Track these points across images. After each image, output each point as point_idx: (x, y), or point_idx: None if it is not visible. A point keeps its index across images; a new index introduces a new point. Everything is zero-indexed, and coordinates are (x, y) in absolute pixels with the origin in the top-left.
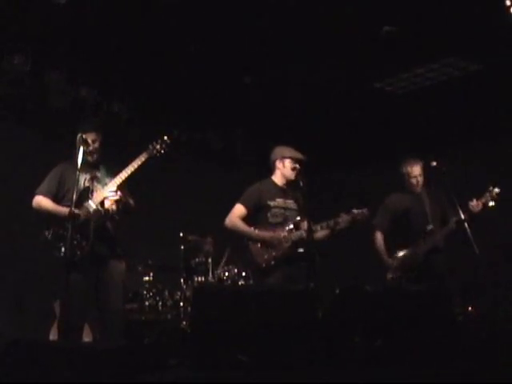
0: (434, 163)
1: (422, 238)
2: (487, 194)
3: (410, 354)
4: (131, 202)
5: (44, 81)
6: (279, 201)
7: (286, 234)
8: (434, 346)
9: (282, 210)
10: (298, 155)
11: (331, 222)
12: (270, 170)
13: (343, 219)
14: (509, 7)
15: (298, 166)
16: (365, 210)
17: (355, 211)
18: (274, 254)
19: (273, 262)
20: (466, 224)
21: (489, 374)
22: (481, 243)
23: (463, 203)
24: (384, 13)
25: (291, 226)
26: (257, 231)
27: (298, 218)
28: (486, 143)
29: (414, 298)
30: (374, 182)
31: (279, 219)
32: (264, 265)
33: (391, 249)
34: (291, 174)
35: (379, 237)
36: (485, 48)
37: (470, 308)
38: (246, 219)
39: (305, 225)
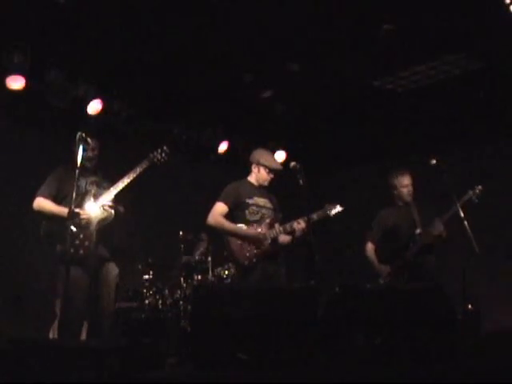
0: (434, 161)
1: (411, 242)
2: (470, 192)
3: (410, 352)
4: (121, 209)
5: (44, 79)
6: (256, 199)
7: (265, 231)
8: (434, 344)
9: (259, 208)
10: (274, 165)
11: (305, 218)
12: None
13: (318, 215)
14: (509, 5)
15: (272, 175)
16: (337, 206)
17: (328, 206)
18: (255, 251)
19: (255, 260)
20: (465, 223)
21: (489, 373)
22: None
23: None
24: (383, 11)
25: (267, 224)
26: (242, 228)
27: (271, 217)
28: (486, 142)
29: (414, 296)
30: (373, 181)
31: (256, 217)
32: (246, 262)
33: (382, 256)
34: (264, 181)
35: (370, 247)
36: (485, 46)
37: (469, 306)
38: (227, 217)
39: (277, 224)
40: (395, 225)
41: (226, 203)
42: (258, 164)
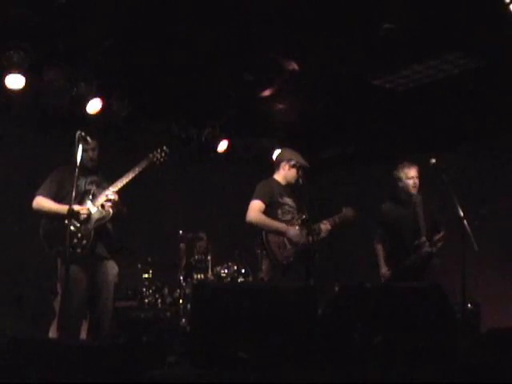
0: (434, 161)
1: (414, 251)
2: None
3: (410, 351)
4: (125, 209)
5: (43, 78)
6: (286, 199)
7: (298, 231)
8: (434, 343)
9: (290, 208)
10: (305, 162)
11: (331, 220)
12: (273, 168)
13: (340, 217)
14: (508, 4)
15: (301, 173)
16: (350, 210)
17: (345, 209)
18: (292, 250)
19: (291, 259)
20: (465, 221)
21: (489, 372)
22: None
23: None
24: (383, 10)
25: (300, 224)
26: (284, 225)
27: (304, 217)
28: (486, 141)
29: (414, 296)
30: (372, 181)
31: (288, 216)
32: (285, 262)
33: (387, 259)
34: (293, 179)
35: (379, 248)
36: (485, 45)
37: (469, 306)
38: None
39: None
40: (399, 222)
41: (262, 201)
42: (290, 161)
